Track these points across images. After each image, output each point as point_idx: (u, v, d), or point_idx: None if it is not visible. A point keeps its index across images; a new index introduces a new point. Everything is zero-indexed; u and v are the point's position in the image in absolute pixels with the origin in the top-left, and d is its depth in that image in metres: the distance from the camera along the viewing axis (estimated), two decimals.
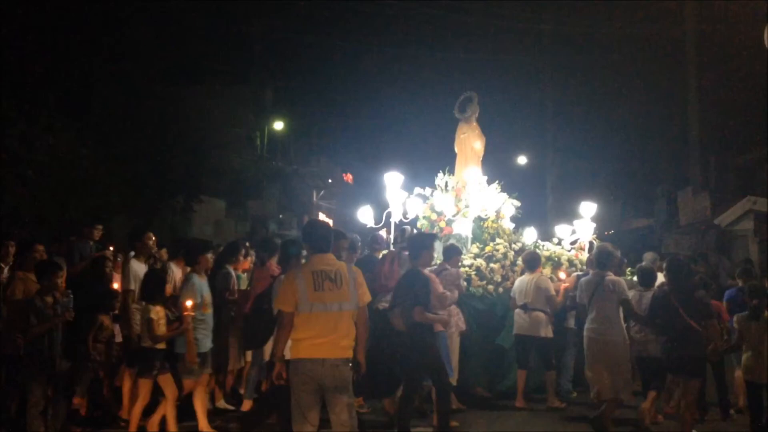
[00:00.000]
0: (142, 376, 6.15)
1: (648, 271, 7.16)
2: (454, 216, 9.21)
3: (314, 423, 4.59)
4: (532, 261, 7.96)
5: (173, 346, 6.22)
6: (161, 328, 6.08)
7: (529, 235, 9.64)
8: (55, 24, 13.54)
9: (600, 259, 6.71)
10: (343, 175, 41.57)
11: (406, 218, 9.43)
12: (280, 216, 26.88)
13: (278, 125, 26.66)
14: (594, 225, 9.56)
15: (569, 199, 10.20)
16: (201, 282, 6.42)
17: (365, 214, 9.64)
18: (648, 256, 8.51)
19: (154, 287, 6.28)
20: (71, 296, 6.17)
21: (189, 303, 6.08)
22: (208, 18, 21.27)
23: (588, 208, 9.52)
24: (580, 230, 9.42)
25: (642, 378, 7.06)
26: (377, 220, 9.56)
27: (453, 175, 9.88)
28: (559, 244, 9.48)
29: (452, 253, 7.49)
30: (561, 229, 9.69)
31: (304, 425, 4.56)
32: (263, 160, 25.93)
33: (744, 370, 6.27)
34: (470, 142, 10.00)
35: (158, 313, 6.10)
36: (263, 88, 27.14)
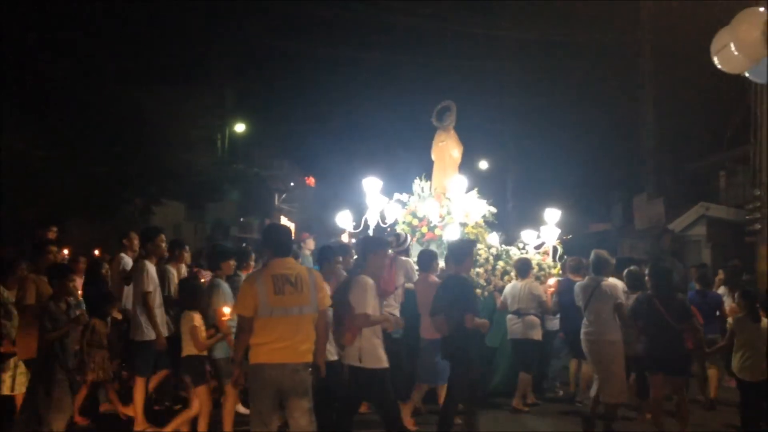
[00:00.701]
0: (198, 384, 6.12)
1: (635, 275, 7.47)
2: (441, 222, 9.32)
3: (273, 428, 4.57)
4: (524, 267, 8.17)
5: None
6: (203, 335, 6.11)
7: (493, 240, 9.75)
8: (9, 21, 13.21)
9: (597, 265, 7.00)
10: (305, 178, 41.43)
11: (384, 223, 9.49)
12: (241, 219, 26.65)
13: (240, 128, 26.42)
14: (559, 231, 9.80)
15: (529, 204, 10.42)
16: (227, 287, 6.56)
17: (344, 219, 9.67)
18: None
19: (191, 295, 6.29)
20: (82, 300, 6.15)
21: (227, 309, 6.13)
22: (169, 18, 20.98)
23: (552, 215, 9.77)
24: (545, 235, 9.65)
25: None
26: (356, 225, 9.61)
27: (430, 181, 10.02)
28: (523, 248, 9.65)
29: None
30: (526, 234, 9.90)
31: (264, 430, 4.53)
32: (224, 163, 25.64)
33: (739, 370, 6.52)
34: (448, 150, 10.17)
35: (200, 320, 6.15)
36: (225, 90, 26.87)
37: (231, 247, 7.93)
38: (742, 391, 6.59)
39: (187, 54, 24.14)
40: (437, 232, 9.22)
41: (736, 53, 6.72)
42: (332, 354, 5.70)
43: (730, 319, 6.82)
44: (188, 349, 6.10)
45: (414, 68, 27.95)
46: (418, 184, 9.92)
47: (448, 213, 9.44)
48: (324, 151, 42.31)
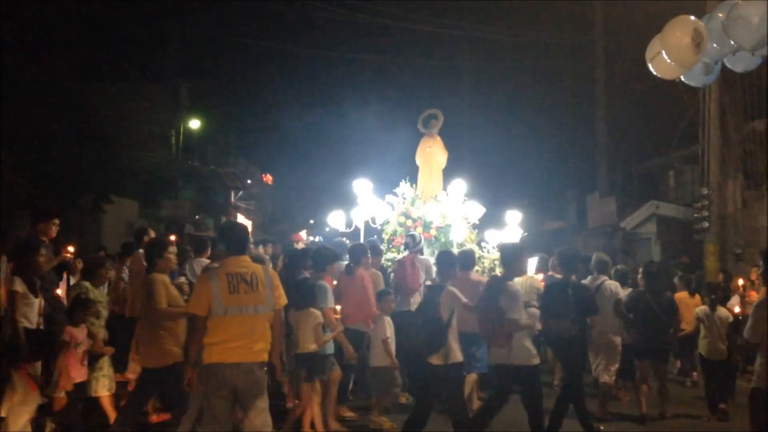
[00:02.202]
0: (311, 380, 6.22)
1: (623, 273, 8.30)
2: (443, 223, 9.85)
3: (227, 428, 4.50)
4: (544, 264, 8.99)
5: None
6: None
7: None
8: None
9: (599, 266, 7.59)
10: (263, 176, 40.99)
11: (375, 224, 10.01)
12: (196, 217, 26.20)
13: (194, 124, 25.98)
14: (521, 232, 10.34)
15: (486, 204, 10.67)
16: None
17: (336, 219, 10.12)
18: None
19: (311, 294, 6.38)
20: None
21: (338, 307, 6.59)
22: (123, 13, 20.55)
23: (514, 216, 10.36)
24: (507, 236, 10.10)
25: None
26: (347, 224, 10.10)
27: (415, 185, 10.49)
28: (484, 248, 10.01)
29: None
30: (489, 234, 10.30)
31: (217, 429, 4.46)
32: (178, 160, 25.18)
33: (706, 351, 7.70)
34: (435, 156, 10.68)
35: (321, 317, 6.29)
36: (179, 87, 26.39)
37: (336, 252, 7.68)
38: (705, 369, 7.79)
39: (140, 50, 23.71)
40: (432, 232, 9.76)
41: (668, 60, 6.92)
42: (457, 355, 5.75)
43: (698, 310, 7.92)
44: (307, 345, 6.19)
45: (372, 66, 28.01)
46: (404, 187, 10.32)
47: (443, 216, 9.94)
48: (281, 148, 42.04)
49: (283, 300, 4.76)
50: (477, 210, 10.21)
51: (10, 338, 5.42)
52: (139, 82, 24.07)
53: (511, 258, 6.23)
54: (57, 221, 6.60)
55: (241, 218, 29.54)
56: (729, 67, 7.56)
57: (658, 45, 7.13)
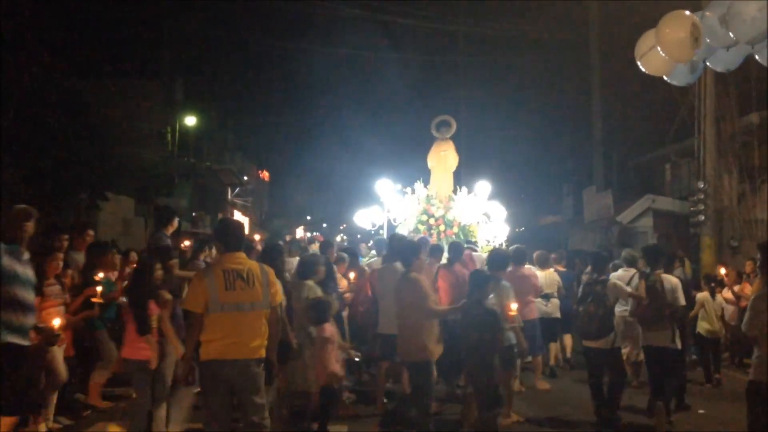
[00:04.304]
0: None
1: (632, 258, 8.51)
2: (477, 223, 10.60)
3: (225, 425, 4.50)
4: (545, 260, 9.80)
5: None
6: None
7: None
8: None
9: (629, 261, 7.85)
10: (259, 172, 40.96)
11: (395, 222, 10.81)
12: (193, 214, 26.16)
13: (190, 121, 25.89)
14: (508, 227, 11.13)
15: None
16: None
17: (363, 217, 11.36)
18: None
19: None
20: None
21: (514, 305, 6.71)
22: (117, 10, 20.46)
23: (499, 211, 11.00)
24: (497, 232, 10.81)
25: None
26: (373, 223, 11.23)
27: (428, 186, 11.09)
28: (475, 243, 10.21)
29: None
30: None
31: (216, 427, 4.46)
32: (174, 157, 25.11)
33: (705, 331, 9.02)
34: (449, 159, 11.33)
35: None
36: (174, 83, 26.31)
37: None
38: (703, 346, 9.09)
39: (134, 47, 23.60)
40: (454, 230, 10.42)
41: (662, 54, 6.88)
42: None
43: (699, 296, 9.16)
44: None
45: (367, 60, 27.94)
46: (419, 188, 10.95)
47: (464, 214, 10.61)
48: (278, 145, 41.98)
49: (280, 297, 4.75)
50: (499, 210, 10.97)
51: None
52: (134, 78, 23.97)
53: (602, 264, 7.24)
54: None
55: (237, 215, 29.51)
56: (710, 66, 7.57)
57: (650, 40, 7.09)
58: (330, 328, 6.09)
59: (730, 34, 6.32)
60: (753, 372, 4.96)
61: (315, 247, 11.06)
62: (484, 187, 10.91)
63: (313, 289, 6.31)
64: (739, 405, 5.43)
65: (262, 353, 4.54)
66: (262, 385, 4.55)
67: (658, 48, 6.87)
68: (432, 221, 10.54)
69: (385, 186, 11.07)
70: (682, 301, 6.61)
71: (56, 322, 5.35)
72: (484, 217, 10.74)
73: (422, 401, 5.89)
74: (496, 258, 6.99)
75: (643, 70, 7.39)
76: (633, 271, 7.41)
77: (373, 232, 11.38)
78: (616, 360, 7.02)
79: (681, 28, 6.60)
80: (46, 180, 15.22)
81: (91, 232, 7.94)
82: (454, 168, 11.46)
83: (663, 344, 6.42)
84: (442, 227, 10.47)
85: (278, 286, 4.75)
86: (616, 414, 6.86)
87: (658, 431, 6.38)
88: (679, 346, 6.58)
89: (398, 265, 6.61)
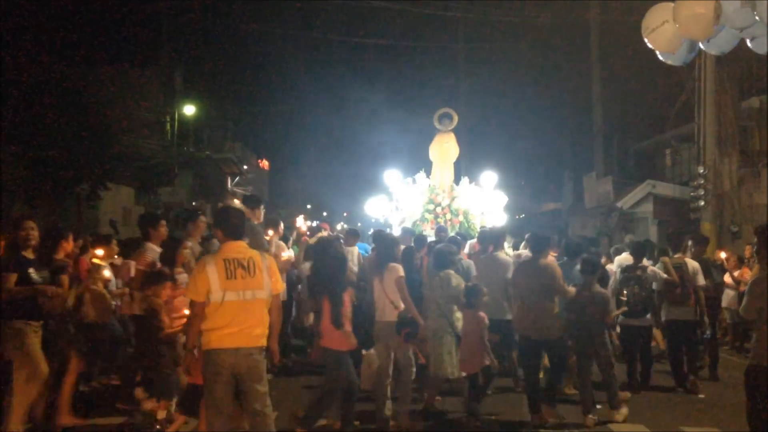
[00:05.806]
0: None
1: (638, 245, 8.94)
2: (483, 212, 10.98)
3: (229, 413, 4.52)
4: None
5: None
6: None
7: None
8: None
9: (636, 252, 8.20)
10: (259, 161, 40.87)
11: (400, 210, 11.16)
12: (193, 203, 26.14)
13: (189, 110, 25.81)
14: (506, 215, 11.54)
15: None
16: None
17: (374, 207, 11.75)
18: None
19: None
20: None
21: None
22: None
23: (501, 199, 11.29)
24: (494, 220, 11.05)
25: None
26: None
27: (429, 177, 11.46)
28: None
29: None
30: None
31: (219, 416, 4.48)
32: (174, 146, 25.05)
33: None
34: (451, 151, 11.69)
35: None
36: (173, 72, 26.21)
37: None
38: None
39: (133, 35, 23.53)
40: (459, 218, 10.82)
41: (675, 30, 6.72)
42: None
43: None
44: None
45: (368, 49, 27.81)
46: (421, 179, 11.33)
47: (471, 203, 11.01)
48: (278, 133, 41.87)
49: (281, 285, 4.76)
50: (501, 198, 11.28)
51: None
52: (133, 67, 23.91)
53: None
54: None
55: (237, 204, 29.44)
56: (704, 49, 7.49)
57: (661, 15, 6.90)
58: (484, 314, 6.37)
59: (755, 14, 6.18)
60: (752, 357, 4.98)
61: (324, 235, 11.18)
62: (490, 177, 11.27)
63: (457, 277, 6.48)
64: (739, 389, 5.45)
65: (264, 342, 4.56)
66: (264, 373, 4.57)
67: (674, 23, 6.69)
68: (438, 210, 10.93)
69: (392, 176, 11.58)
70: (702, 281, 7.73)
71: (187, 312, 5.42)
72: (488, 207, 11.10)
73: (560, 374, 6.78)
74: (487, 236, 7.74)
75: (649, 45, 7.23)
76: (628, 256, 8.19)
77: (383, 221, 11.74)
78: (650, 336, 8.11)
79: (701, 4, 6.43)
80: (47, 171, 15.22)
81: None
82: (454, 159, 11.82)
83: (687, 318, 7.70)
84: (448, 215, 10.87)
85: (279, 275, 4.75)
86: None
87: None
88: (703, 320, 7.88)
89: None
